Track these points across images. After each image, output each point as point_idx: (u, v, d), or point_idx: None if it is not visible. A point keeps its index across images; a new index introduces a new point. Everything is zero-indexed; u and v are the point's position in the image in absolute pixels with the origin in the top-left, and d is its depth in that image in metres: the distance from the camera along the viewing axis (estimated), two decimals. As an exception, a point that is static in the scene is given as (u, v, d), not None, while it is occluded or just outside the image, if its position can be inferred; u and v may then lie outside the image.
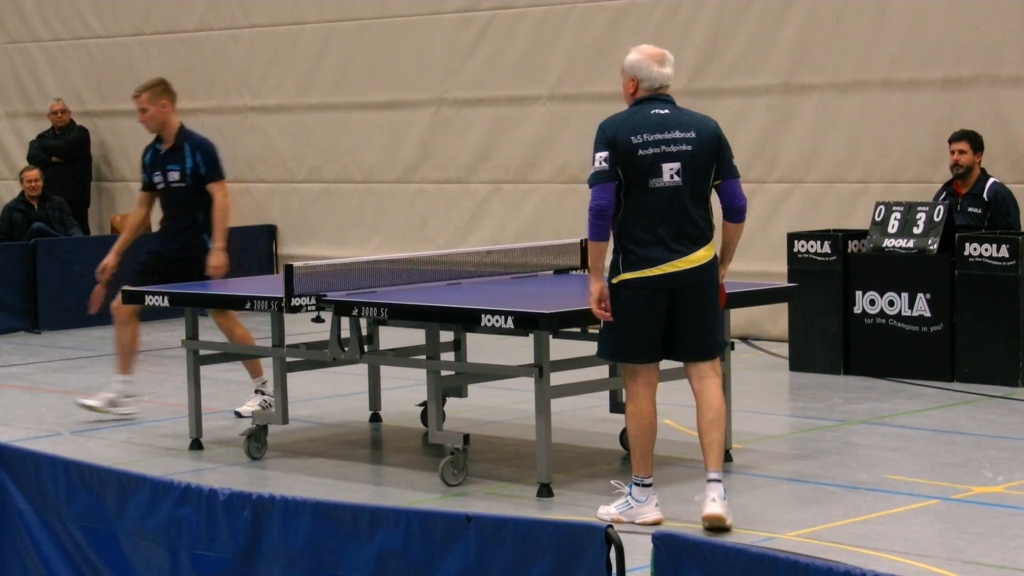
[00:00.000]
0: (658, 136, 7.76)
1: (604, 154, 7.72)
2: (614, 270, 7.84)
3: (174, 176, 10.93)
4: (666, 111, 7.84)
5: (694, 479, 8.71)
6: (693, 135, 7.83)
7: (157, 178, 10.98)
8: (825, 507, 8.17)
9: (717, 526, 7.72)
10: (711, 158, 7.86)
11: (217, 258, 10.80)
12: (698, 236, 7.81)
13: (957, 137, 12.19)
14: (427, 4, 16.18)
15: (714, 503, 7.73)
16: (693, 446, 8.97)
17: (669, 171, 7.74)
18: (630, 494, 7.93)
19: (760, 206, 14.05)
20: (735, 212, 7.95)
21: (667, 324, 7.84)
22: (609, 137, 7.74)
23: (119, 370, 10.98)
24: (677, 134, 7.79)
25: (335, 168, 16.94)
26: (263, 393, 10.87)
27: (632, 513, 7.87)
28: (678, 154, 7.76)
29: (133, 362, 10.99)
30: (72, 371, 13.31)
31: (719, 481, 7.79)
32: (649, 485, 7.89)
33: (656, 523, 7.80)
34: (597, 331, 8.09)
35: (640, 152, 7.72)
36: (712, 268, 7.86)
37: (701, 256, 7.80)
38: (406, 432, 10.48)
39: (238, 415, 10.89)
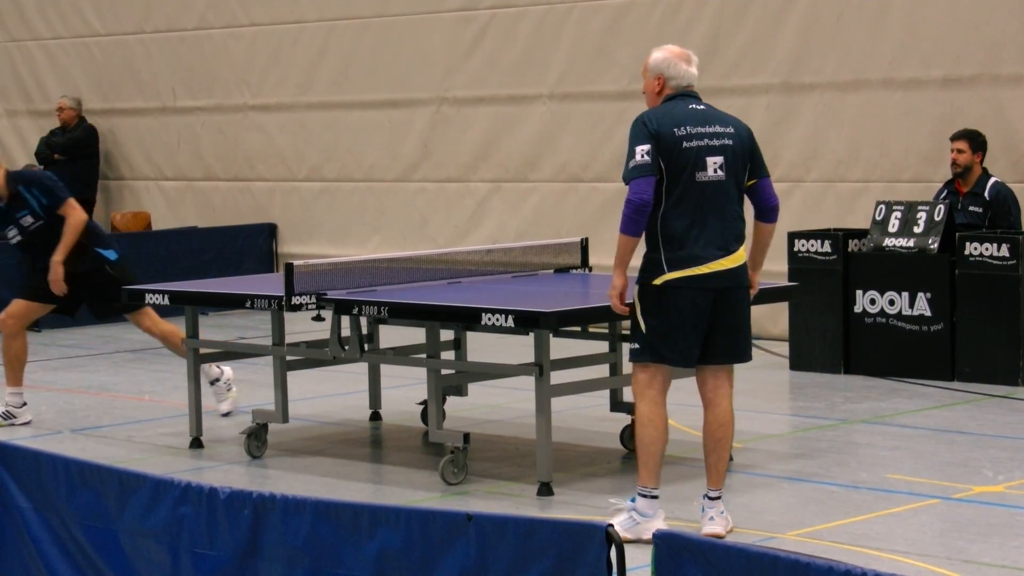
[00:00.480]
0: (701, 129, 7.55)
1: (646, 147, 7.41)
2: (655, 269, 7.50)
3: (27, 222, 10.77)
4: (702, 107, 7.67)
5: (694, 479, 8.71)
6: (732, 130, 7.65)
7: (11, 233, 10.84)
8: (825, 507, 8.17)
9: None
10: (747, 156, 7.65)
11: (54, 275, 10.67)
12: (740, 234, 7.57)
13: (957, 136, 12.20)
14: (427, 3, 16.18)
15: (712, 522, 7.59)
16: (693, 445, 8.98)
17: (713, 165, 7.52)
18: (634, 508, 7.57)
19: (760, 205, 14.05)
20: (770, 211, 7.70)
21: (708, 328, 7.56)
22: (653, 130, 7.45)
23: (9, 383, 10.93)
24: (718, 128, 7.61)
25: (335, 167, 16.94)
26: (219, 381, 10.92)
27: (638, 529, 7.42)
28: (721, 148, 7.55)
29: (22, 373, 10.94)
30: (72, 370, 13.31)
31: (720, 499, 7.65)
32: (656, 497, 7.57)
33: None
34: (629, 331, 7.70)
35: (685, 144, 7.47)
36: (746, 270, 7.65)
37: (743, 255, 7.60)
38: (406, 431, 10.48)
39: (226, 415, 10.90)
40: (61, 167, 18.11)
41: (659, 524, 7.41)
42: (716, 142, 7.55)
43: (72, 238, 10.69)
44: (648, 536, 7.08)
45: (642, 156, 7.42)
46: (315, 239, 17.10)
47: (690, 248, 7.46)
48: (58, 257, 10.65)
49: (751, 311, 7.83)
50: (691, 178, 7.46)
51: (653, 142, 7.43)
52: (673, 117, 7.54)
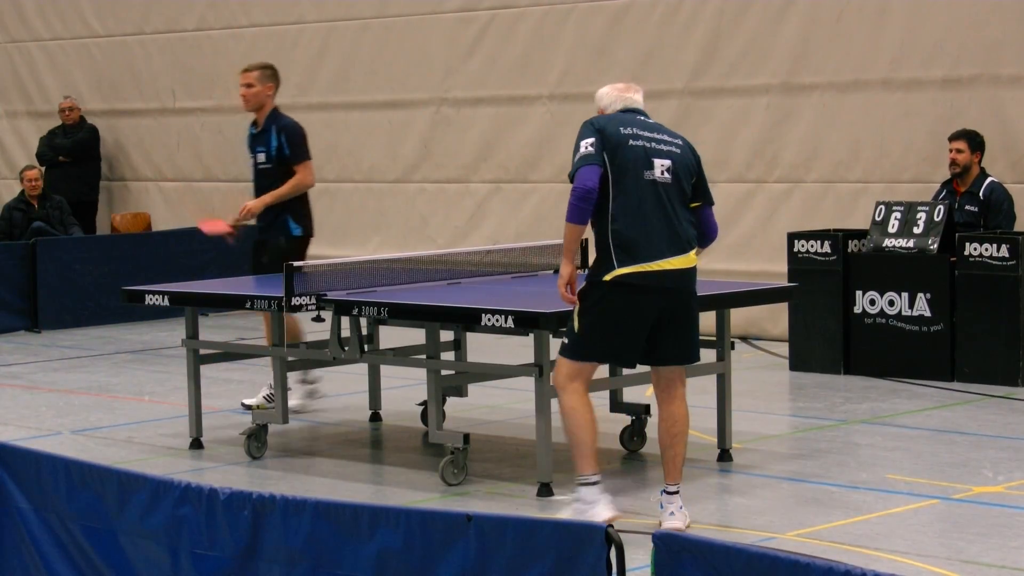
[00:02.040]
0: (647, 133, 7.65)
1: (590, 139, 7.51)
2: (605, 266, 7.56)
3: (261, 158, 10.95)
4: (651, 121, 7.78)
5: (693, 479, 8.73)
6: (679, 142, 7.75)
7: (250, 159, 11.07)
8: (825, 507, 8.17)
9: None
10: (693, 170, 7.73)
11: (253, 204, 10.83)
12: (689, 239, 7.64)
13: (956, 136, 12.21)
14: (427, 4, 16.18)
15: (672, 517, 7.66)
16: (693, 446, 9.00)
17: (660, 166, 7.59)
18: (578, 499, 7.65)
19: (760, 206, 14.06)
20: (707, 239, 7.82)
21: (654, 329, 7.65)
22: (597, 127, 7.58)
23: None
24: (665, 136, 7.71)
25: (335, 167, 16.94)
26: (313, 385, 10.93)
27: (587, 518, 7.34)
28: (668, 153, 7.64)
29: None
30: (72, 371, 13.32)
31: (678, 492, 7.73)
32: (597, 483, 7.64)
33: (614, 520, 7.37)
34: (567, 327, 7.74)
35: (631, 142, 7.57)
36: (696, 272, 7.72)
37: (694, 258, 7.66)
38: (406, 432, 10.48)
39: (245, 407, 10.90)
40: (66, 169, 18.14)
41: (605, 509, 7.51)
42: (663, 147, 7.65)
43: (288, 192, 10.81)
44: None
45: (586, 148, 7.52)
46: (315, 240, 17.05)
47: (640, 245, 7.52)
48: (267, 198, 10.82)
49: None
50: (638, 176, 7.55)
51: (597, 136, 7.53)
52: (619, 120, 7.68)
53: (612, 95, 7.85)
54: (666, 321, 7.64)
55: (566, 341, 7.74)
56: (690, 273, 7.64)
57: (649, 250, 7.51)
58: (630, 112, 7.77)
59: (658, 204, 7.56)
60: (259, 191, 11.00)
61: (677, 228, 7.59)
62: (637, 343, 7.64)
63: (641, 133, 7.61)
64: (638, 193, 7.54)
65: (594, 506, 7.56)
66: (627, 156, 7.55)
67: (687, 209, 7.66)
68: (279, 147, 10.88)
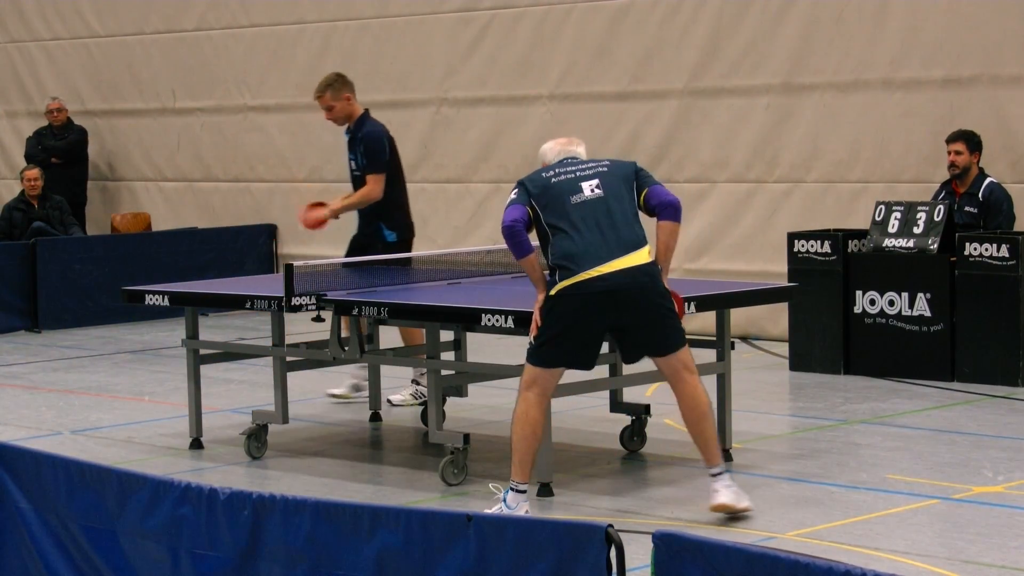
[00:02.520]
0: (572, 168, 8.03)
1: (515, 191, 7.96)
2: (552, 284, 7.85)
3: (352, 165, 10.97)
4: (578, 160, 8.14)
5: (693, 479, 8.72)
6: (607, 162, 8.11)
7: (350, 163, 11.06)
8: (825, 507, 8.17)
9: (730, 513, 7.76)
10: (628, 177, 8.01)
11: (325, 211, 10.74)
12: (635, 239, 7.86)
13: (953, 138, 12.19)
14: (427, 4, 16.18)
15: (717, 494, 7.81)
16: (693, 446, 8.99)
17: (589, 186, 7.92)
18: (503, 501, 7.86)
19: (760, 206, 14.06)
20: (665, 207, 7.93)
21: (617, 329, 7.90)
22: (523, 181, 8.02)
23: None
24: (590, 163, 8.09)
25: (335, 167, 16.91)
26: (419, 383, 10.89)
27: None
28: (594, 174, 7.98)
29: None
30: (72, 371, 13.32)
31: (722, 473, 7.86)
32: (524, 491, 7.87)
33: None
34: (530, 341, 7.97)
35: (554, 180, 7.96)
36: (653, 268, 7.88)
37: (637, 257, 7.83)
38: (406, 432, 10.48)
39: (390, 403, 10.95)
40: (57, 171, 18.11)
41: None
42: (588, 171, 8.02)
43: (354, 203, 10.79)
44: None
45: (512, 195, 7.98)
46: (315, 240, 17.06)
47: (578, 258, 7.79)
48: (334, 205, 10.82)
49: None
50: (567, 203, 7.90)
51: (521, 187, 7.99)
52: (545, 169, 8.12)
53: (555, 149, 8.27)
54: (629, 319, 7.85)
55: (528, 347, 7.98)
56: (641, 269, 7.83)
57: (589, 260, 7.78)
58: (563, 161, 8.15)
59: (593, 219, 7.86)
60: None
61: (618, 234, 7.85)
62: (586, 347, 7.92)
63: (564, 169, 8.03)
64: (569, 217, 7.86)
65: (512, 512, 7.76)
66: (553, 192, 7.93)
67: (629, 215, 7.92)
68: (358, 158, 10.83)
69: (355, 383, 11.25)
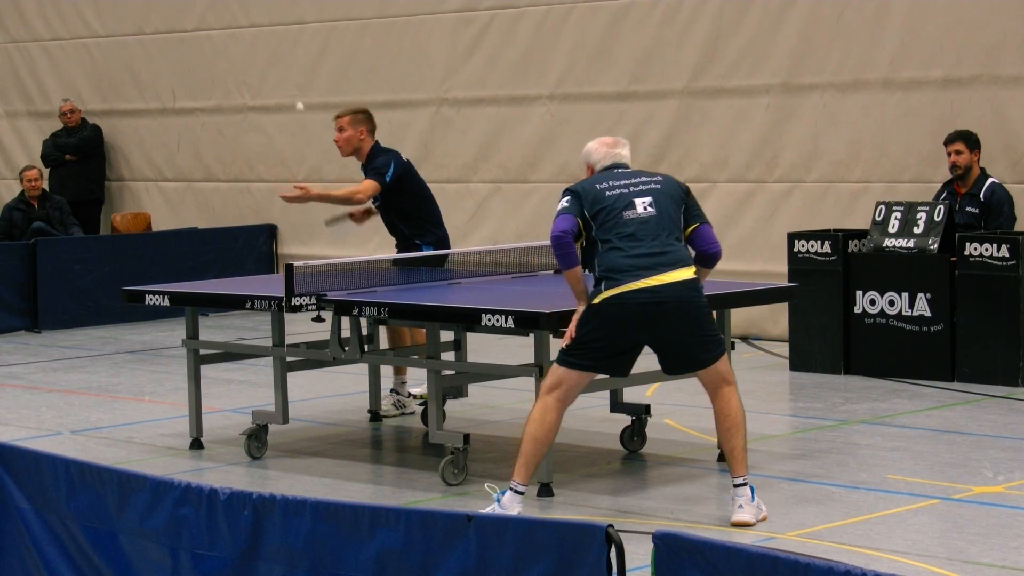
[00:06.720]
0: (625, 182, 8.02)
1: (567, 198, 7.95)
2: (595, 294, 7.88)
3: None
4: (631, 170, 8.15)
5: (694, 479, 8.72)
6: (660, 178, 8.10)
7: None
8: (825, 507, 8.17)
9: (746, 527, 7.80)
10: (680, 200, 8.04)
11: (299, 189, 10.50)
12: (679, 258, 7.92)
13: (952, 139, 12.18)
14: (427, 4, 16.18)
15: (741, 510, 7.81)
16: (693, 446, 9.00)
17: (642, 203, 7.94)
18: (498, 501, 7.85)
19: (760, 206, 14.06)
20: (709, 258, 8.08)
21: (657, 341, 7.91)
22: (575, 190, 7.99)
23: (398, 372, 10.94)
24: (643, 179, 8.07)
25: (335, 168, 16.93)
26: (398, 393, 10.85)
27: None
28: (648, 191, 7.99)
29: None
30: (72, 371, 13.32)
31: (744, 485, 7.85)
32: (523, 494, 7.86)
33: None
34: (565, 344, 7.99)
35: (608, 193, 7.95)
36: (696, 285, 7.93)
37: (678, 275, 7.87)
38: (406, 432, 10.48)
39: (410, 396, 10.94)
40: (72, 168, 18.17)
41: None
42: (642, 187, 8.03)
43: (338, 196, 10.65)
44: None
45: (562, 204, 7.96)
46: (315, 240, 17.10)
47: (624, 271, 7.83)
48: (316, 189, 10.71)
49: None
50: (619, 217, 7.93)
51: (574, 196, 7.96)
52: (598, 179, 8.09)
53: (601, 151, 8.22)
54: (670, 331, 7.87)
55: (561, 349, 7.99)
56: (682, 284, 7.86)
57: (634, 274, 7.82)
58: (612, 168, 8.14)
59: (641, 235, 7.89)
60: (387, 224, 10.85)
61: (663, 250, 7.89)
62: (622, 355, 7.96)
63: (617, 183, 8.01)
64: (621, 232, 7.89)
65: (506, 514, 7.70)
66: (606, 205, 7.94)
67: (676, 235, 7.98)
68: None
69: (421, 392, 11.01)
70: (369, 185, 10.53)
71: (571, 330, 7.90)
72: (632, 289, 7.77)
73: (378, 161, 10.63)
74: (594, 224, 7.89)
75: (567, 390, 7.93)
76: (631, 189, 7.97)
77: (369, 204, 10.85)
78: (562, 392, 7.91)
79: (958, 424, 10.16)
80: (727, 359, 8.07)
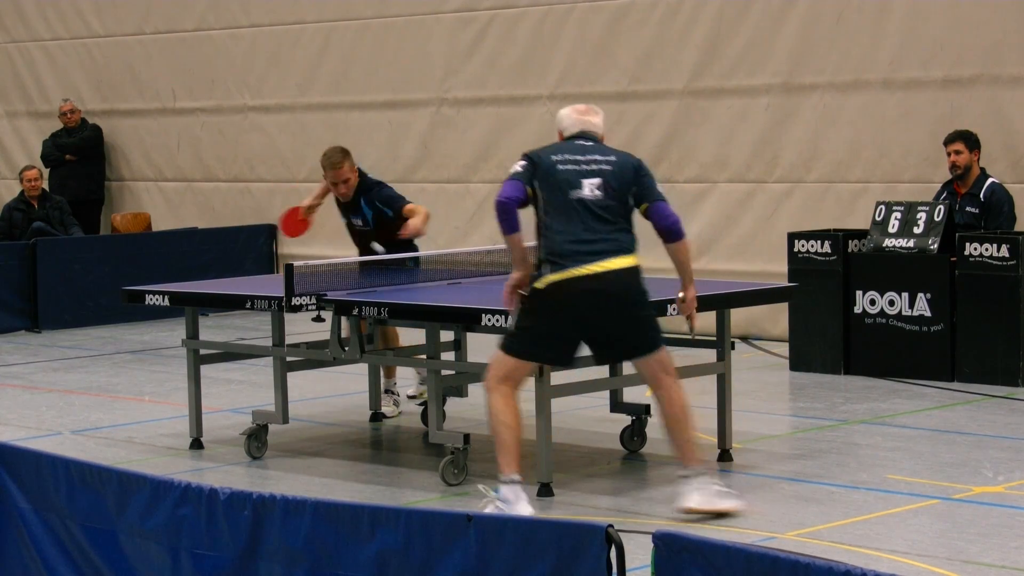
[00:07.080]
0: (578, 157, 8.02)
1: (522, 163, 7.99)
2: (538, 276, 7.90)
3: (358, 222, 10.73)
4: (589, 143, 8.14)
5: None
6: (613, 158, 8.08)
7: (343, 218, 10.86)
8: (825, 507, 8.17)
9: (711, 516, 7.79)
10: (630, 181, 8.02)
11: (415, 225, 10.28)
12: (623, 245, 7.94)
13: (951, 139, 12.18)
14: (427, 4, 16.18)
15: (687, 496, 7.84)
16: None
17: (590, 185, 7.95)
18: (498, 498, 7.86)
19: (760, 206, 14.06)
20: (667, 230, 8.02)
21: (594, 330, 7.94)
22: (531, 156, 8.02)
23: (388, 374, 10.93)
24: (596, 156, 8.06)
25: (335, 168, 16.93)
26: (392, 393, 10.85)
27: None
28: (598, 172, 7.99)
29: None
30: (72, 371, 13.32)
31: (692, 476, 7.88)
32: (517, 482, 7.85)
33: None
34: (508, 326, 8.09)
35: (560, 167, 7.96)
36: (637, 274, 7.95)
37: (624, 261, 7.91)
38: (406, 432, 10.48)
39: (410, 397, 10.97)
40: (73, 168, 18.17)
41: (524, 507, 7.76)
42: (592, 167, 8.02)
43: (424, 219, 10.35)
44: None
45: (516, 168, 7.98)
46: (315, 240, 17.08)
47: (567, 255, 7.87)
48: (415, 223, 10.23)
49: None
50: (566, 195, 7.94)
51: (528, 162, 7.99)
52: (552, 149, 8.11)
53: (572, 118, 8.24)
54: (610, 319, 7.92)
55: (505, 337, 8.08)
56: (624, 272, 7.90)
57: (576, 259, 7.86)
58: (575, 138, 8.15)
59: (586, 218, 7.92)
60: (361, 247, 10.74)
61: (607, 236, 7.92)
62: (568, 344, 7.99)
63: (571, 157, 8.02)
64: (566, 211, 7.93)
65: (513, 505, 7.78)
66: (556, 178, 7.96)
67: (623, 220, 8.00)
68: (376, 215, 10.53)
69: (422, 377, 10.98)
70: (414, 206, 10.49)
71: (507, 294, 7.99)
72: (576, 276, 7.82)
73: (392, 191, 10.69)
74: (540, 196, 7.92)
75: (517, 379, 8.02)
76: (582, 167, 7.98)
77: (312, 202, 10.95)
78: (514, 382, 8.01)
79: (958, 424, 10.16)
80: (665, 350, 8.07)
